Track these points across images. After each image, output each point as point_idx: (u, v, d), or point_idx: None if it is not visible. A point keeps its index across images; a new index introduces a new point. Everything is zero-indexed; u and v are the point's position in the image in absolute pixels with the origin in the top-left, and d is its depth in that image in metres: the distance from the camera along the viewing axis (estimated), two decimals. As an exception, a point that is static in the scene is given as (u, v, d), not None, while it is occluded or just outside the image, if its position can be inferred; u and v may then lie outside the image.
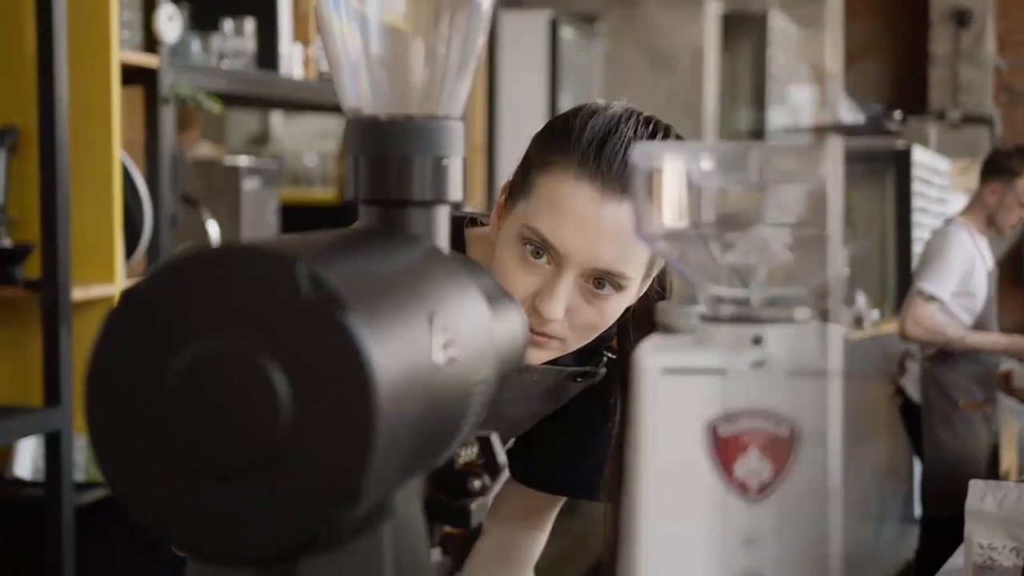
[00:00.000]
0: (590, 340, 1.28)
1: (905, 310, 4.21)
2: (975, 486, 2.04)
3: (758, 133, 7.27)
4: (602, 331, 1.28)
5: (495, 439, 0.89)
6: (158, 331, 0.63)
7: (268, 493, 0.62)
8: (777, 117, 6.47)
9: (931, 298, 4.07)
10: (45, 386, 2.31)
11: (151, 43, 2.67)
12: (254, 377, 0.62)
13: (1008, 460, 6.99)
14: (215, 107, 2.82)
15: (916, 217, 6.85)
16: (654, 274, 1.31)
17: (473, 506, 0.87)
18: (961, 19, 9.27)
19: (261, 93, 3.13)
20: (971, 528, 1.92)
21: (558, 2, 7.27)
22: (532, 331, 1.23)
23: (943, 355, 4.27)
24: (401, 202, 0.82)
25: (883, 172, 6.74)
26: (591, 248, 1.21)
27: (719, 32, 5.95)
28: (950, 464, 4.19)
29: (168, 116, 2.70)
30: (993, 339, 4.25)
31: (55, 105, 2.36)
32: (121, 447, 0.64)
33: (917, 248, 7.11)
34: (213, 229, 2.90)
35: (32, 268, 2.40)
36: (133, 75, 2.64)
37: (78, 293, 2.42)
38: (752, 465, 0.69)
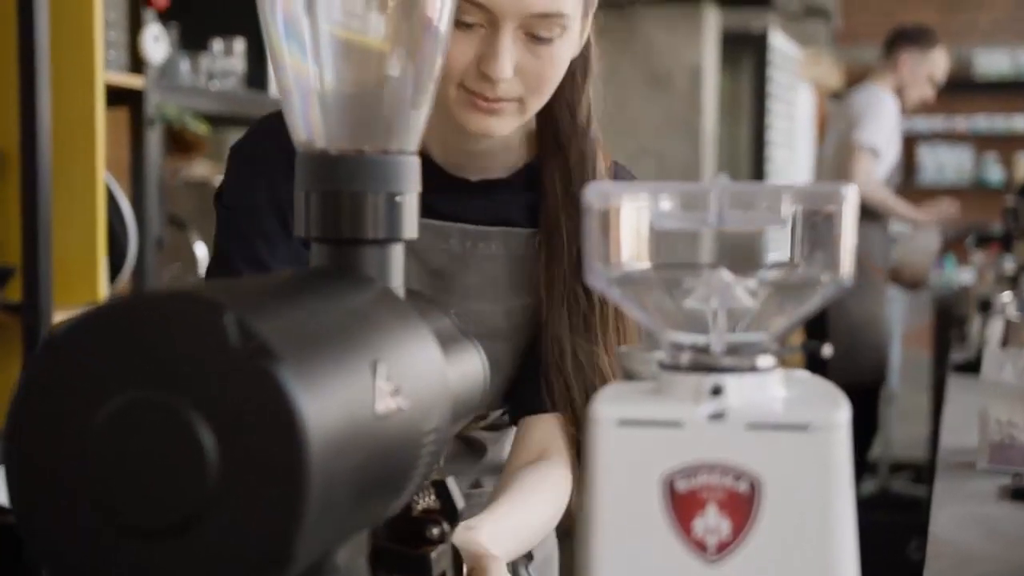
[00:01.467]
0: (547, 96, 1.23)
1: (848, 166, 4.17)
2: (991, 354, 1.91)
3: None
4: (556, 82, 1.23)
5: (451, 483, 0.85)
6: (81, 380, 0.60)
7: (193, 554, 0.59)
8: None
9: (873, 151, 4.07)
10: (24, 412, 2.28)
11: (137, 64, 2.65)
12: (179, 431, 0.59)
13: None
14: (201, 128, 2.80)
15: (767, 103, 6.99)
16: (592, 10, 1.28)
17: (433, 555, 0.84)
18: (802, -96, 9.33)
19: (250, 114, 3.10)
20: (987, 401, 1.78)
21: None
22: (485, 99, 1.20)
23: (866, 223, 4.27)
24: (353, 240, 0.79)
25: (740, 54, 6.83)
26: None
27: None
28: (855, 330, 4.14)
29: (154, 137, 2.67)
30: (915, 210, 4.29)
31: (38, 126, 2.33)
32: (40, 499, 0.61)
33: (771, 135, 7.24)
34: (201, 251, 2.87)
35: (13, 291, 2.37)
36: (119, 96, 2.61)
37: (60, 317, 2.38)
38: (710, 523, 0.66)
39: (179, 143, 3.62)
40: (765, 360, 0.69)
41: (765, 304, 0.69)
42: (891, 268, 4.56)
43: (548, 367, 1.28)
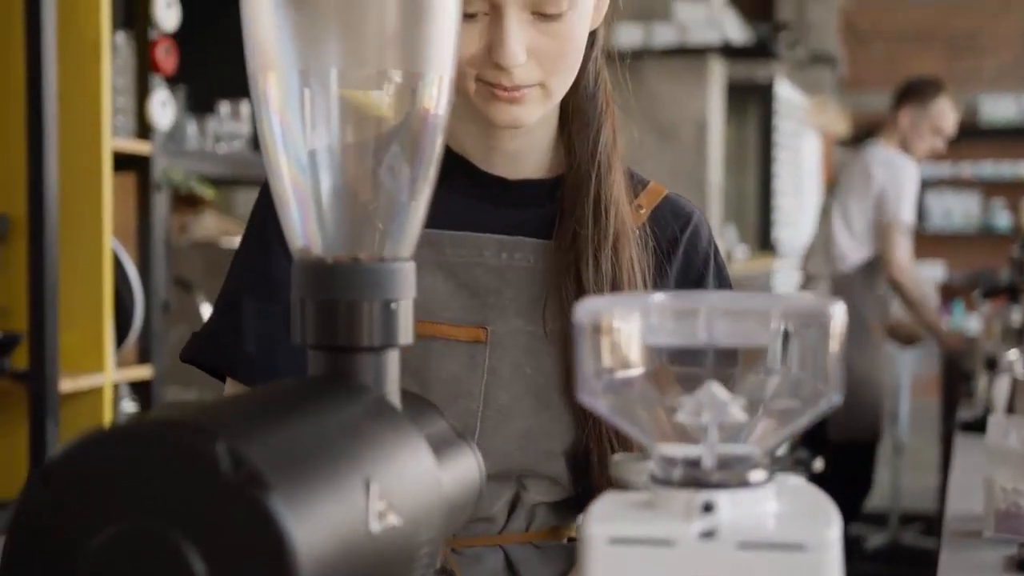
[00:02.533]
0: (571, 75, 1.16)
1: (889, 247, 4.16)
2: (995, 421, 1.88)
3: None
4: (578, 59, 1.16)
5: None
6: (75, 509, 0.61)
7: None
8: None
9: (910, 229, 4.10)
10: (30, 479, 2.28)
11: (144, 129, 2.67)
12: (171, 560, 0.59)
13: None
14: (207, 193, 2.81)
15: (773, 152, 7.01)
16: None
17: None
18: (809, -46, 9.42)
19: (257, 176, 3.12)
20: (992, 469, 1.75)
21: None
22: (505, 89, 1.13)
23: (859, 275, 4.25)
24: (349, 348, 0.79)
25: (746, 103, 6.84)
26: None
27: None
28: (851, 387, 4.13)
29: (160, 202, 2.69)
30: (942, 332, 4.30)
31: (45, 193, 2.35)
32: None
33: (778, 184, 7.25)
34: (207, 312, 2.87)
35: (20, 358, 2.38)
36: (126, 161, 2.63)
37: (67, 384, 2.39)
38: (702, 643, 0.65)
39: (186, 198, 3.64)
40: (757, 475, 0.69)
41: (756, 418, 0.70)
42: (888, 325, 4.56)
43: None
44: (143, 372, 2.69)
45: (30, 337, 2.36)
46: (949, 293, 10.03)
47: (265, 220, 1.23)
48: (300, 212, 0.82)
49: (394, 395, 0.81)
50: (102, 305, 2.48)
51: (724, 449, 0.70)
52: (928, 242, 10.11)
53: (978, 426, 2.87)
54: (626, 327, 0.70)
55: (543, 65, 1.13)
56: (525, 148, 1.24)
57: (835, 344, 0.68)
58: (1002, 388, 2.94)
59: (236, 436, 0.61)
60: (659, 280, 1.24)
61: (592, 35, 1.21)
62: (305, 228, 0.82)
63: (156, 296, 2.68)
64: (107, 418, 2.52)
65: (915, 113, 4.17)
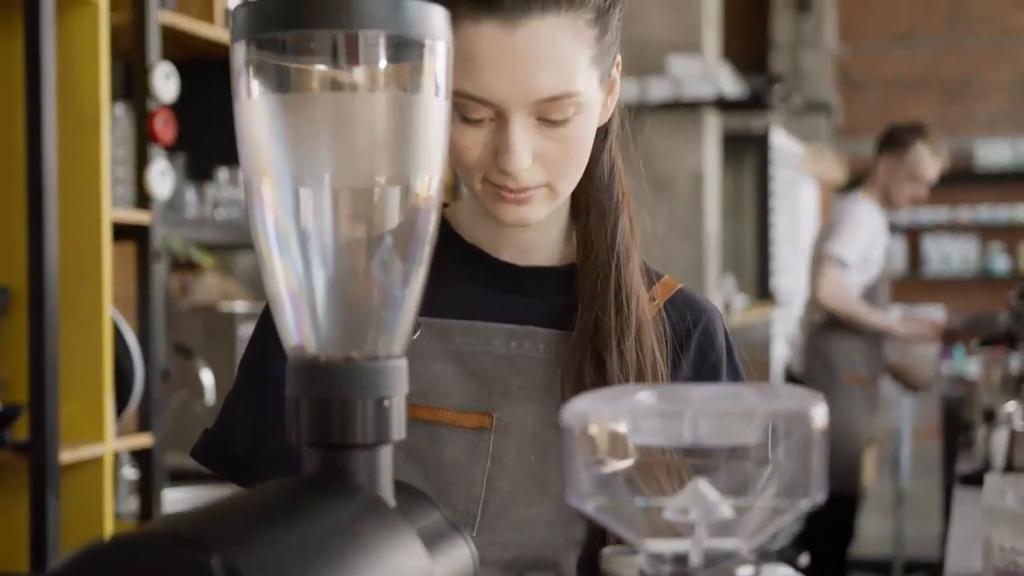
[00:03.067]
0: (576, 175, 1.17)
1: (816, 276, 4.19)
2: (992, 481, 1.88)
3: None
4: (584, 159, 1.16)
5: None
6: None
7: None
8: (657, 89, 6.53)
9: (841, 262, 4.07)
10: (31, 552, 2.29)
11: (144, 198, 2.69)
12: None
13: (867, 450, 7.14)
14: (206, 261, 2.84)
15: (770, 201, 7.03)
16: (615, 71, 1.21)
17: None
18: (802, 5, 9.45)
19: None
20: (990, 529, 1.75)
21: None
22: (511, 191, 1.14)
23: (831, 326, 4.24)
24: (343, 445, 0.81)
25: (742, 153, 6.87)
26: (521, 83, 1.10)
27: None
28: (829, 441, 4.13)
29: (160, 271, 2.71)
30: (893, 323, 4.24)
31: (45, 265, 2.37)
32: None
33: (775, 233, 7.26)
34: (207, 379, 2.89)
35: (21, 430, 2.39)
36: (125, 231, 2.65)
37: (67, 455, 2.40)
38: None
39: (188, 262, 3.67)
40: (744, 570, 0.70)
41: (743, 515, 0.71)
42: (892, 368, 4.56)
43: None
44: (143, 440, 2.70)
45: (30, 409, 2.37)
46: (949, 337, 10.05)
47: (266, 323, 1.26)
48: (294, 311, 0.83)
49: (387, 490, 0.82)
50: (102, 375, 2.49)
51: (712, 544, 0.71)
52: (926, 287, 10.13)
53: (977, 479, 2.88)
54: (613, 428, 0.71)
55: (549, 168, 1.14)
56: (536, 238, 1.25)
57: (818, 443, 0.70)
58: (1000, 441, 2.95)
59: (231, 548, 0.62)
60: (675, 372, 1.24)
61: (605, 126, 1.22)
62: (299, 327, 0.83)
63: (156, 364, 2.69)
64: (107, 488, 2.53)
65: (892, 161, 4.19)
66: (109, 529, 2.52)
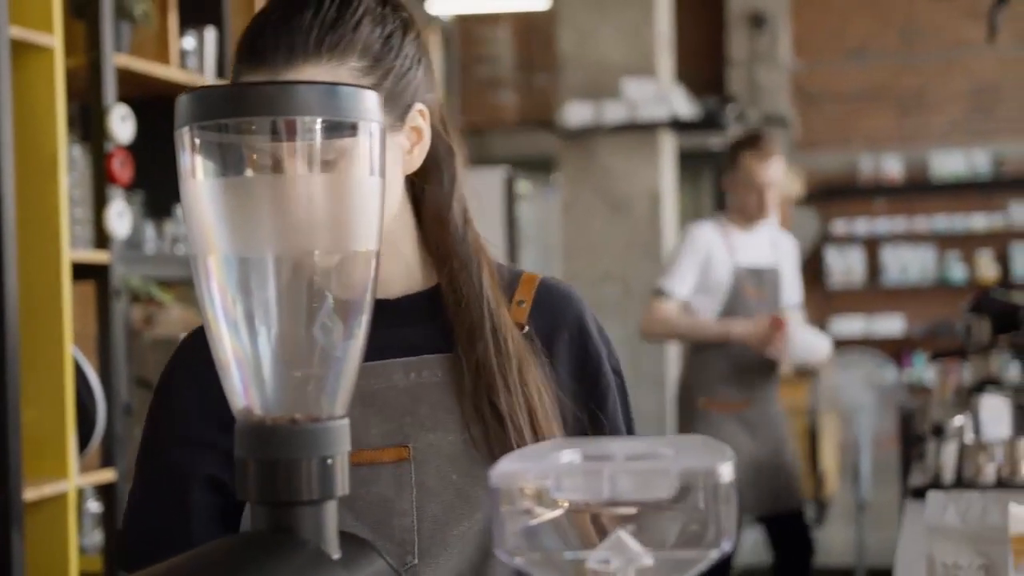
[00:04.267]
0: (386, 218, 1.20)
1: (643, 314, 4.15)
2: (934, 498, 1.92)
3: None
4: (393, 202, 1.21)
5: None
6: None
7: None
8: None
9: (662, 294, 4.04)
10: (-3, 590, 2.32)
11: (102, 238, 2.73)
12: None
13: (827, 459, 7.16)
14: (166, 298, 2.88)
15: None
16: (419, 118, 1.24)
17: None
18: (757, 21, 9.58)
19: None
20: (933, 545, 1.79)
21: (514, 155, 7.44)
22: None
23: (690, 354, 4.20)
24: (289, 503, 0.86)
25: (699, 170, 6.94)
26: None
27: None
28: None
29: (120, 309, 2.75)
30: (704, 323, 4.09)
31: (5, 306, 2.40)
32: None
33: None
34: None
35: (-16, 469, 2.42)
36: (85, 271, 2.69)
37: (31, 493, 2.43)
38: None
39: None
40: (662, 616, 0.76)
41: (660, 564, 0.77)
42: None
43: None
44: (107, 475, 2.73)
45: (-6, 448, 2.40)
46: (908, 346, 10.19)
47: (159, 412, 1.28)
48: (240, 376, 0.89)
49: (332, 543, 0.88)
50: (64, 413, 2.52)
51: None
52: (886, 296, 10.25)
53: (926, 492, 2.94)
54: (538, 486, 0.77)
55: None
56: (391, 270, 1.29)
57: (726, 496, 0.75)
58: (949, 455, 3.01)
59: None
60: (556, 369, 1.30)
61: (450, 178, 1.28)
62: (245, 391, 0.88)
63: (118, 400, 2.73)
64: (71, 524, 2.56)
65: (731, 177, 4.19)
66: (74, 564, 2.56)
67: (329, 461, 0.87)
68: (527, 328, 1.30)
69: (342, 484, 0.88)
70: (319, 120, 0.85)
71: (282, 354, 0.88)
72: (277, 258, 0.86)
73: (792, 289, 4.33)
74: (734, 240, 4.13)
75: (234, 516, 1.25)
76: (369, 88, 1.17)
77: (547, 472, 0.77)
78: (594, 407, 1.33)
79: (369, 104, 0.87)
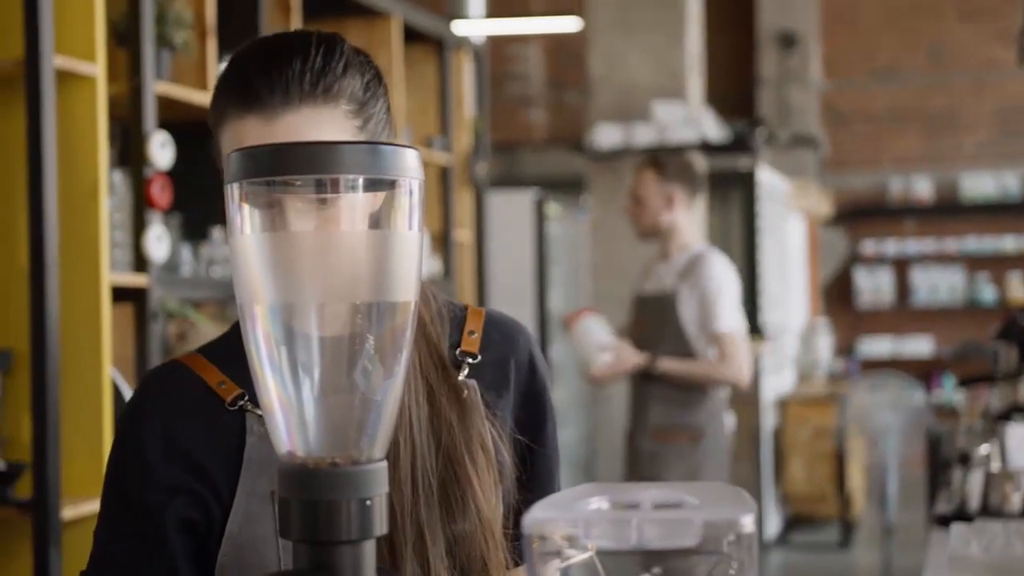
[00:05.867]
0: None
1: None
2: (958, 531, 1.95)
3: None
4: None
5: None
6: None
7: None
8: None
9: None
10: (35, 608, 2.37)
11: (141, 262, 2.78)
12: None
13: (854, 480, 7.11)
14: (201, 320, 2.93)
15: (758, 237, 7.11)
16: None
17: None
18: (787, 41, 9.57)
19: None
20: None
21: (544, 174, 7.46)
22: None
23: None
24: (329, 543, 0.90)
25: (728, 191, 6.95)
26: None
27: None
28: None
29: (157, 331, 2.80)
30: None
31: (47, 328, 2.46)
32: None
33: (763, 268, 7.34)
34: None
35: (24, 488, 2.48)
36: (123, 293, 2.75)
37: (69, 512, 2.48)
38: None
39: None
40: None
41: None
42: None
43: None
44: (142, 494, 2.78)
45: (33, 467, 2.45)
46: (937, 367, 10.17)
47: (127, 445, 1.27)
48: (284, 421, 0.93)
49: (370, 585, 0.92)
50: (102, 433, 2.58)
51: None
52: (915, 317, 10.24)
53: (953, 520, 2.95)
54: (567, 533, 0.81)
55: None
56: None
57: (748, 544, 0.79)
58: (975, 483, 3.02)
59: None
60: (502, 399, 1.33)
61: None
62: (289, 435, 0.93)
63: (154, 420, 2.78)
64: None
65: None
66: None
67: (368, 502, 0.91)
68: (479, 358, 1.32)
69: (380, 524, 0.92)
70: (362, 178, 0.89)
71: (324, 399, 0.92)
72: (320, 309, 0.90)
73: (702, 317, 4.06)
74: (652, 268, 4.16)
75: (208, 556, 1.25)
76: (356, 131, 1.23)
77: (577, 520, 0.80)
78: (535, 432, 1.36)
79: (410, 162, 0.92)
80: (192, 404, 1.26)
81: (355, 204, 0.90)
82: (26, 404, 2.48)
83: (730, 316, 4.01)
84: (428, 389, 1.28)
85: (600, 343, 3.90)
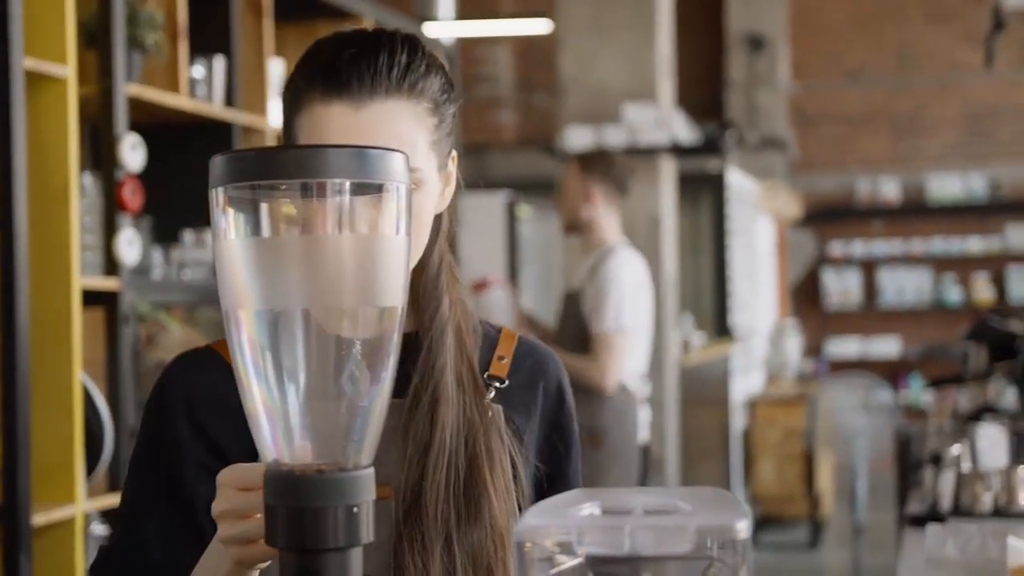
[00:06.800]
0: (419, 253, 1.25)
1: None
2: (933, 531, 1.95)
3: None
4: (423, 238, 1.25)
5: None
6: None
7: None
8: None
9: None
10: (5, 615, 2.34)
11: (112, 265, 2.76)
12: None
13: (823, 481, 7.17)
14: (173, 324, 2.91)
15: (727, 239, 7.16)
16: (451, 164, 1.29)
17: None
18: (755, 44, 9.63)
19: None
20: None
21: (514, 176, 7.45)
22: None
23: None
24: (316, 550, 0.89)
25: (698, 193, 6.99)
26: None
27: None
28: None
29: (128, 335, 2.78)
30: None
31: (17, 332, 2.43)
32: None
33: (732, 270, 7.39)
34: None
35: (-7, 494, 2.45)
36: (94, 297, 2.72)
37: (39, 518, 2.46)
38: None
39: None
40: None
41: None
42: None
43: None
44: (114, 499, 2.76)
45: (3, 472, 2.43)
46: (904, 367, 10.23)
47: (164, 422, 1.28)
48: (270, 427, 0.92)
49: (357, 593, 0.91)
50: (73, 437, 2.55)
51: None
52: (882, 318, 10.29)
53: (925, 521, 2.97)
54: (561, 540, 0.80)
55: None
56: None
57: (742, 550, 0.78)
58: (947, 483, 3.03)
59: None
60: (526, 433, 1.32)
61: (437, 221, 1.30)
62: (275, 442, 0.92)
63: (125, 424, 2.76)
64: (79, 547, 2.59)
65: None
66: (81, 588, 2.58)
67: (355, 509, 0.90)
68: (507, 382, 1.32)
69: (367, 532, 0.91)
70: (348, 182, 0.89)
71: (310, 405, 0.91)
72: (305, 314, 0.89)
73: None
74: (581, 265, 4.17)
75: None
76: (433, 128, 1.24)
77: (569, 527, 0.80)
78: (557, 464, 1.35)
79: (396, 166, 0.91)
80: (218, 388, 1.25)
81: (341, 208, 0.89)
82: (-4, 409, 2.46)
83: (611, 317, 3.92)
84: (461, 394, 1.28)
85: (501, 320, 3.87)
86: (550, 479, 1.34)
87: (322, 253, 0.90)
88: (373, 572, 1.24)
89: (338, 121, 1.20)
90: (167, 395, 1.29)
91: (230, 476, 1.04)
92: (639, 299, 4.07)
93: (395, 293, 0.91)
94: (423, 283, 1.31)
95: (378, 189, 0.90)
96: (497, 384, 1.31)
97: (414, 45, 1.24)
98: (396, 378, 1.28)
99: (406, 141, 1.21)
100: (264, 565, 1.06)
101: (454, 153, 1.31)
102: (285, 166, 0.88)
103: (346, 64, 1.20)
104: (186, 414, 1.26)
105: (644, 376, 4.26)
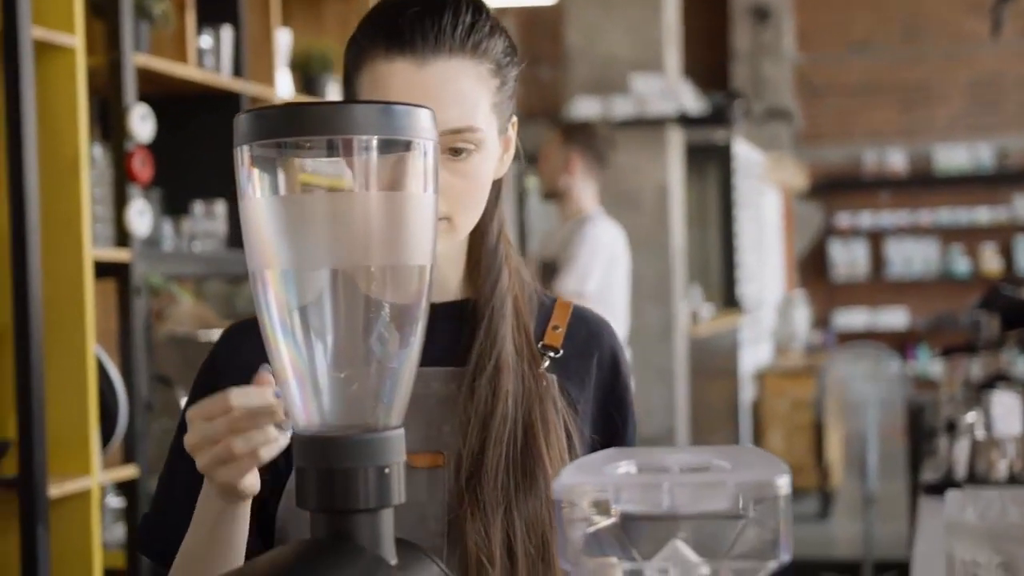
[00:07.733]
0: (476, 214, 1.24)
1: None
2: (953, 496, 1.94)
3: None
4: (482, 200, 1.24)
5: None
6: None
7: None
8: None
9: None
10: (23, 585, 2.35)
11: (123, 236, 2.75)
12: None
13: (833, 451, 7.17)
14: (184, 296, 2.90)
15: (734, 211, 7.14)
16: (511, 129, 1.28)
17: None
18: (761, 15, 9.59)
19: (229, 272, 3.21)
20: (951, 543, 1.82)
21: (523, 152, 7.38)
22: None
23: None
24: (347, 511, 0.88)
25: (705, 164, 6.97)
26: None
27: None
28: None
29: (140, 306, 2.77)
30: None
31: (29, 304, 2.43)
32: None
33: (740, 241, 7.36)
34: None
35: (9, 466, 2.45)
36: (106, 269, 2.71)
37: (55, 489, 2.45)
38: None
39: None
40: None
41: (717, 574, 0.79)
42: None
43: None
44: (128, 471, 2.76)
45: (19, 444, 2.42)
46: (912, 338, 10.22)
47: (216, 387, 1.21)
48: (299, 389, 0.91)
49: (389, 550, 0.90)
50: (87, 410, 2.55)
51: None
52: (889, 289, 10.28)
53: (941, 489, 2.96)
54: (599, 498, 0.79)
55: (450, 202, 1.20)
56: (443, 275, 1.29)
57: (783, 509, 0.77)
58: (962, 451, 3.03)
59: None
60: (580, 402, 1.31)
61: (496, 188, 1.29)
62: (304, 403, 0.91)
63: (139, 397, 2.75)
64: (95, 519, 2.59)
65: None
66: (98, 559, 2.58)
67: (386, 470, 0.89)
68: (561, 352, 1.31)
69: (398, 492, 0.90)
70: (375, 138, 0.87)
71: (338, 366, 0.90)
72: (333, 272, 0.88)
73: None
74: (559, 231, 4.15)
75: (275, 494, 1.24)
76: (496, 90, 1.23)
77: (606, 485, 0.79)
78: (613, 434, 1.34)
79: (424, 123, 0.89)
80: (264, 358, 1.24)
81: (368, 165, 0.87)
82: (10, 381, 2.45)
83: (575, 279, 3.90)
84: (520, 364, 1.27)
85: None
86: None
87: (349, 211, 0.88)
88: (428, 541, 1.24)
89: (400, 78, 1.19)
90: (219, 361, 1.30)
91: (196, 411, 1.06)
92: (613, 269, 4.05)
93: (424, 252, 0.90)
94: (483, 251, 1.30)
95: (405, 147, 0.89)
96: (552, 354, 1.30)
97: (479, 6, 1.24)
98: (450, 345, 1.29)
99: (468, 100, 1.20)
100: (251, 494, 1.08)
101: (514, 119, 1.29)
102: (311, 122, 0.87)
103: (410, 21, 1.19)
104: (238, 380, 1.25)
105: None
